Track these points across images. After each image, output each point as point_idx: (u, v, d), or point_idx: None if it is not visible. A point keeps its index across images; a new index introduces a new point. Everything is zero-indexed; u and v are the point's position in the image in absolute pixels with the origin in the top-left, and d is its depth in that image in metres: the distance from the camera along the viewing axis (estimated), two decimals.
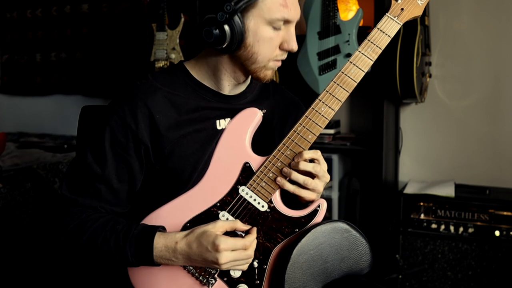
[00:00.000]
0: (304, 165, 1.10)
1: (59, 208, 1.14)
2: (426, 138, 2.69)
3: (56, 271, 2.31)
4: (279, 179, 1.11)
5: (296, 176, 1.10)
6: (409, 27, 2.30)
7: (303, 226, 1.12)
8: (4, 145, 2.69)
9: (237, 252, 1.05)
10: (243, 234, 1.11)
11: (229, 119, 1.20)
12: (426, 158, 2.71)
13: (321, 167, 1.12)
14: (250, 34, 1.10)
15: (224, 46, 1.10)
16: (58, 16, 3.60)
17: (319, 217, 1.13)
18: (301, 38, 2.48)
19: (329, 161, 2.61)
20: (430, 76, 2.57)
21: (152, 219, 1.15)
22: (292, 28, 1.14)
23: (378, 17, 2.39)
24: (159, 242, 1.07)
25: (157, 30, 2.67)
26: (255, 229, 1.10)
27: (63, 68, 3.61)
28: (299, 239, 1.10)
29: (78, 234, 1.10)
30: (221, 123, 1.19)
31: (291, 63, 2.54)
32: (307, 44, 2.42)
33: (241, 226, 1.10)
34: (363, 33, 2.40)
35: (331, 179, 2.63)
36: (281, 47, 1.14)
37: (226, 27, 1.07)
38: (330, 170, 2.62)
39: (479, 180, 2.53)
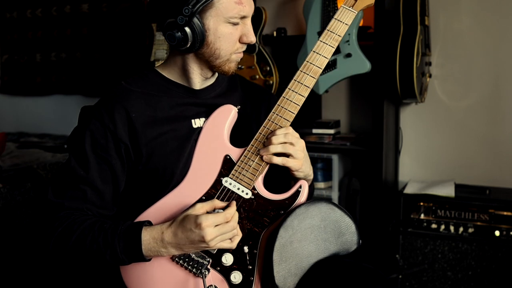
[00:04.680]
0: (276, 138, 1.16)
1: (46, 214, 1.16)
2: (426, 138, 2.69)
3: (56, 271, 2.31)
4: (265, 156, 1.16)
5: (275, 147, 1.16)
6: (409, 27, 2.30)
7: (287, 207, 1.17)
8: (4, 145, 2.69)
9: (220, 226, 1.08)
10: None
11: (203, 118, 1.25)
12: (426, 158, 2.71)
13: (292, 135, 1.17)
14: (211, 32, 1.17)
15: (187, 47, 1.17)
16: (58, 16, 3.60)
17: (302, 198, 1.17)
18: (301, 38, 2.49)
19: (329, 161, 2.62)
20: (430, 76, 2.57)
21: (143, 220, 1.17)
22: (248, 22, 1.21)
23: (378, 17, 2.39)
24: (146, 235, 1.10)
25: (157, 30, 2.67)
26: (234, 202, 1.14)
27: (63, 68, 3.61)
28: (284, 219, 1.14)
29: (67, 236, 1.12)
30: (196, 122, 1.25)
31: (291, 63, 2.55)
32: (307, 44, 2.42)
33: (219, 203, 1.13)
34: (363, 33, 2.40)
35: (331, 179, 2.63)
36: (240, 41, 1.21)
37: (187, 29, 1.15)
38: (330, 170, 2.63)
39: (479, 180, 2.53)
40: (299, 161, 1.18)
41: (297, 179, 1.21)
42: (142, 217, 1.18)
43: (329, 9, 2.36)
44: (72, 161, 1.18)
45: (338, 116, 2.81)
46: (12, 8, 3.78)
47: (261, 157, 1.17)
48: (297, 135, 1.19)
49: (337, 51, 2.35)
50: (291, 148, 1.16)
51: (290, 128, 1.18)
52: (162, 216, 1.17)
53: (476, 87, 2.56)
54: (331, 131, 2.63)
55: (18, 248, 2.29)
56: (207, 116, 1.25)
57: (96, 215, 1.18)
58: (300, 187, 1.17)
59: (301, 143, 1.19)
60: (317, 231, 1.15)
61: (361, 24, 2.37)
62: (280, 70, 2.65)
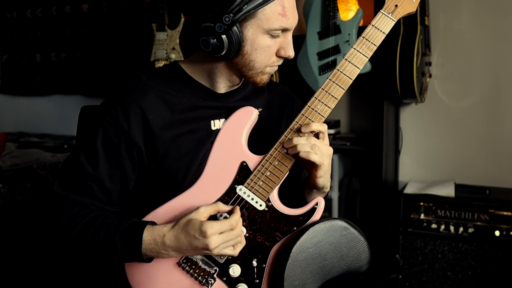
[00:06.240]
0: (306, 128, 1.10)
1: (51, 204, 1.15)
2: (426, 138, 2.69)
3: (56, 271, 2.31)
4: (291, 150, 1.10)
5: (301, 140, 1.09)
6: (409, 27, 2.30)
7: (301, 224, 1.13)
8: (4, 145, 2.69)
9: (225, 233, 1.05)
10: (228, 216, 1.10)
11: (223, 119, 1.20)
12: (426, 158, 2.71)
13: (322, 138, 1.12)
14: (248, 43, 1.10)
15: (221, 55, 1.10)
16: (58, 16, 3.60)
17: (317, 215, 1.13)
18: (301, 38, 2.49)
19: None
20: (430, 76, 2.57)
21: (150, 220, 1.14)
22: (289, 36, 1.14)
23: None
24: (148, 235, 1.07)
25: (157, 30, 2.67)
26: (237, 207, 1.10)
27: (63, 68, 3.61)
28: (298, 237, 1.10)
29: (69, 228, 1.10)
30: (215, 123, 1.19)
31: (291, 63, 2.54)
32: (307, 44, 2.42)
33: (223, 207, 1.10)
34: None
35: (331, 179, 2.63)
36: (278, 54, 1.14)
37: (224, 37, 1.07)
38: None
39: (479, 180, 2.53)
40: (320, 158, 1.10)
41: (311, 190, 1.18)
42: (150, 216, 1.15)
43: (329, 9, 2.36)
44: (81, 155, 1.14)
45: (338, 116, 2.81)
46: (12, 8, 3.78)
47: (279, 168, 1.11)
48: (327, 141, 1.13)
49: (337, 51, 2.35)
50: (316, 147, 1.09)
51: (326, 127, 1.12)
52: (170, 217, 1.13)
53: (476, 87, 2.56)
54: (331, 131, 2.63)
55: (18, 248, 2.28)
56: (227, 118, 1.19)
57: (100, 209, 1.16)
58: (317, 204, 1.13)
59: (328, 149, 1.13)
60: (330, 250, 1.12)
61: (361, 24, 2.36)
62: (280, 70, 2.64)
